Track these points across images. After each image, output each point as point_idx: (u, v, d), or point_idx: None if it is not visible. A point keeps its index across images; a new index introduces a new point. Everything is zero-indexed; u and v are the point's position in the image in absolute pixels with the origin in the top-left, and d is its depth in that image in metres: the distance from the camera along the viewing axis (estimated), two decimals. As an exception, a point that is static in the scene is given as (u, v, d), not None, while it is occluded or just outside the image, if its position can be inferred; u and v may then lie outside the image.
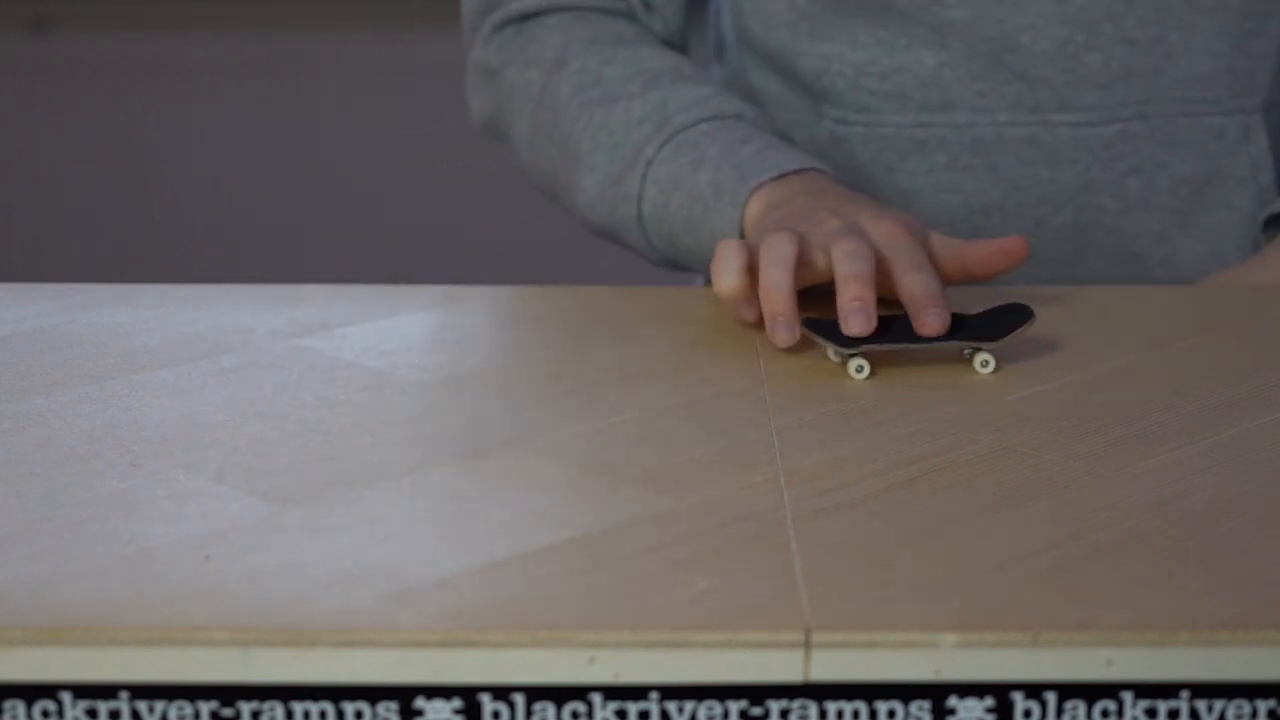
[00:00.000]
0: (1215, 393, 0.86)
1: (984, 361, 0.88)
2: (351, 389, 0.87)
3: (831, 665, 0.64)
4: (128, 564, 0.69)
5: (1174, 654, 0.65)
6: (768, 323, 0.90)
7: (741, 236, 0.98)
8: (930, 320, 0.88)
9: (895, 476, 0.77)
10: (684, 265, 1.06)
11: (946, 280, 0.94)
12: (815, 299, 0.93)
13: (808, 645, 0.64)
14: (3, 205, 2.50)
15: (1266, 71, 1.11)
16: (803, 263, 0.91)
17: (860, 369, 0.88)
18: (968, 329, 0.89)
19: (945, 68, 1.09)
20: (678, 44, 1.15)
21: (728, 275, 0.91)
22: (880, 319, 0.88)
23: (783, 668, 0.64)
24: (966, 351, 0.89)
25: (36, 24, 2.41)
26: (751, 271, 0.91)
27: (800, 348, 0.91)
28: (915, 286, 0.90)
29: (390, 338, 0.93)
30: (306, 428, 0.82)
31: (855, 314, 0.88)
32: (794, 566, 0.69)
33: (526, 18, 1.12)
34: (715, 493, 0.76)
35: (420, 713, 0.65)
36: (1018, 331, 0.89)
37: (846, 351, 0.88)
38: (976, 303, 0.93)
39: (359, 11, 2.44)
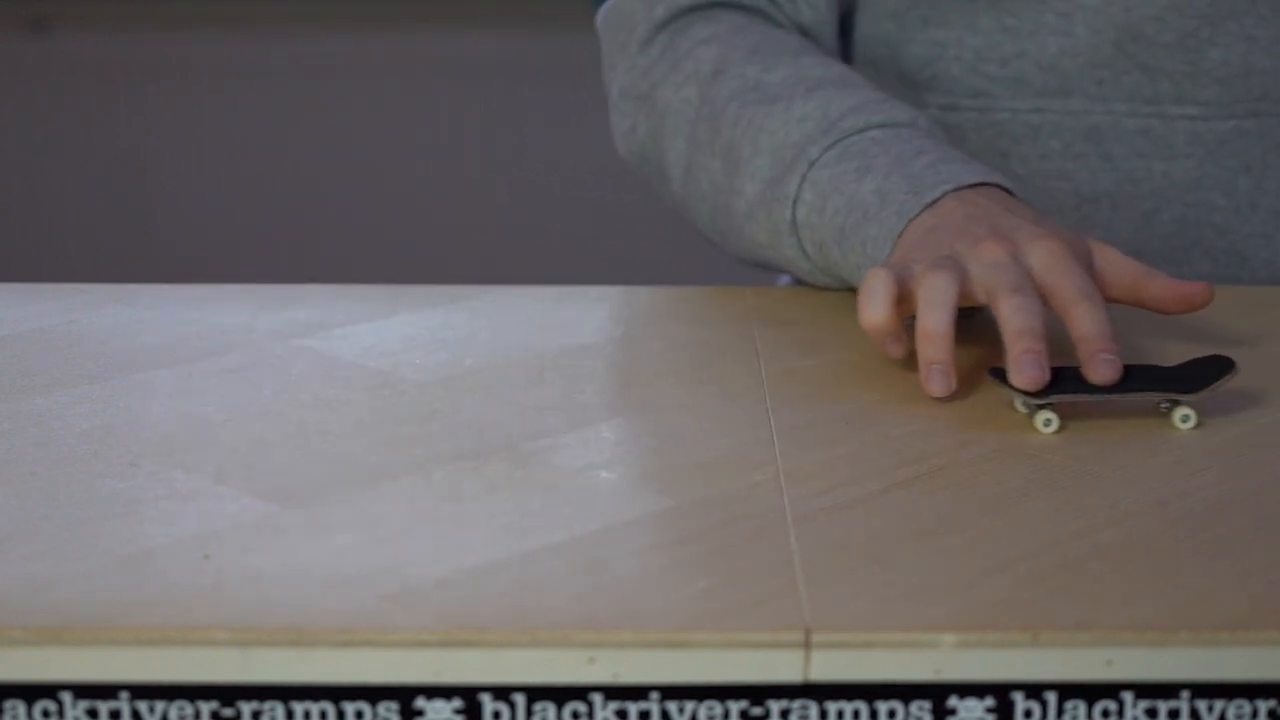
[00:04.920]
0: (1215, 393, 0.86)
1: (1184, 416, 0.83)
2: (351, 389, 0.87)
3: (831, 665, 0.64)
4: (128, 564, 0.69)
5: (1174, 654, 0.65)
6: (922, 369, 0.84)
7: (890, 251, 0.92)
8: (1101, 369, 0.83)
9: (895, 476, 0.77)
10: (839, 278, 0.99)
11: (1109, 299, 0.88)
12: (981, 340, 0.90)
13: (808, 645, 0.64)
14: (3, 205, 2.49)
15: None
16: (961, 300, 0.86)
17: (1048, 422, 0.82)
18: (1158, 378, 0.84)
19: (1066, 54, 1.09)
20: (827, 37, 1.11)
21: (875, 307, 0.86)
22: (1063, 369, 0.83)
23: (783, 668, 0.64)
24: (1164, 405, 0.84)
25: (36, 24, 2.41)
26: (901, 303, 0.86)
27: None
28: (1083, 323, 0.84)
29: (390, 338, 0.93)
30: (306, 428, 0.82)
31: (1029, 366, 0.82)
32: (794, 566, 0.69)
33: (691, 10, 1.07)
34: (715, 493, 0.76)
35: (420, 713, 0.64)
36: (1217, 384, 0.83)
37: (1035, 403, 0.83)
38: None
39: (359, 11, 2.44)
